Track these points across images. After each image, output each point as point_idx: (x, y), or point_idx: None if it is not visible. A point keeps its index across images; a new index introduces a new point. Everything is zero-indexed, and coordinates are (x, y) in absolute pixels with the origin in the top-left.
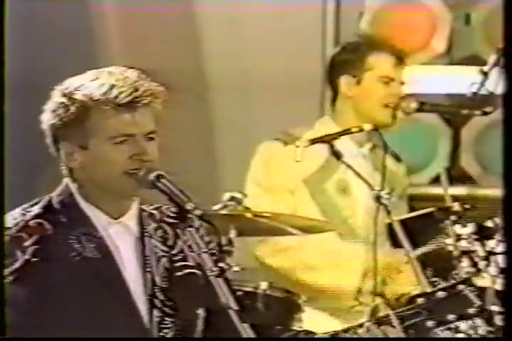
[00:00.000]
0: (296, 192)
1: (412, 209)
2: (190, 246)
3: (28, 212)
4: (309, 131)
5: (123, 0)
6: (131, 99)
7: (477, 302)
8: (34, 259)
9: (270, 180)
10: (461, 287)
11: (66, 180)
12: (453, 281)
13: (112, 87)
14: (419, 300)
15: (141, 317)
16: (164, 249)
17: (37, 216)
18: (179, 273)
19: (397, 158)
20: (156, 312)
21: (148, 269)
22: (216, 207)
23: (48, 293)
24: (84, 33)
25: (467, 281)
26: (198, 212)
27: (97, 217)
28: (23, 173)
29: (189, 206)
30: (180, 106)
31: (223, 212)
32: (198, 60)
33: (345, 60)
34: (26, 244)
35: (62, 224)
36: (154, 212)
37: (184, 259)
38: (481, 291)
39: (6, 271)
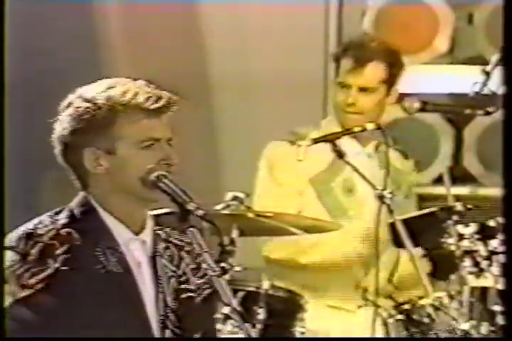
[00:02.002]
0: (303, 193)
1: None
2: (192, 270)
3: (57, 220)
4: (316, 130)
5: (125, 0)
6: (160, 106)
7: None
8: (63, 268)
9: (278, 180)
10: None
11: (83, 193)
12: None
13: (137, 93)
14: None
15: (154, 336)
16: (173, 269)
17: (66, 225)
18: (183, 296)
19: (405, 155)
20: (167, 333)
21: (160, 289)
22: (218, 207)
23: (71, 303)
24: (85, 33)
25: None
26: (199, 212)
27: (119, 231)
28: (22, 173)
29: (191, 206)
30: (183, 107)
31: (225, 211)
32: (201, 61)
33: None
34: (58, 252)
35: (87, 235)
36: (160, 232)
37: (187, 282)
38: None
39: (36, 279)
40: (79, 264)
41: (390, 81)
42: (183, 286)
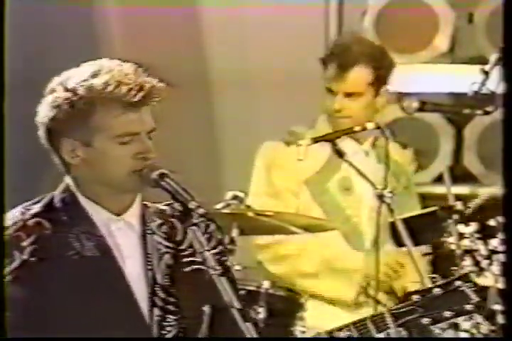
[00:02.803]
0: (299, 194)
1: None
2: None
3: (28, 210)
4: (311, 129)
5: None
6: (140, 99)
7: (474, 298)
8: (32, 259)
9: (273, 182)
10: (458, 283)
11: (67, 178)
12: (450, 278)
13: (119, 84)
14: (415, 297)
15: (142, 315)
16: (169, 245)
17: (36, 215)
18: (186, 269)
19: (403, 145)
20: (156, 311)
21: (149, 267)
22: (218, 206)
23: (45, 293)
24: (85, 32)
25: (464, 277)
26: (201, 211)
27: (98, 213)
28: (22, 173)
29: (192, 204)
30: (183, 105)
31: (226, 210)
32: (201, 59)
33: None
34: (24, 243)
35: (62, 222)
36: (166, 207)
37: (192, 255)
38: (479, 287)
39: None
40: (49, 254)
41: (378, 82)
42: (187, 259)
